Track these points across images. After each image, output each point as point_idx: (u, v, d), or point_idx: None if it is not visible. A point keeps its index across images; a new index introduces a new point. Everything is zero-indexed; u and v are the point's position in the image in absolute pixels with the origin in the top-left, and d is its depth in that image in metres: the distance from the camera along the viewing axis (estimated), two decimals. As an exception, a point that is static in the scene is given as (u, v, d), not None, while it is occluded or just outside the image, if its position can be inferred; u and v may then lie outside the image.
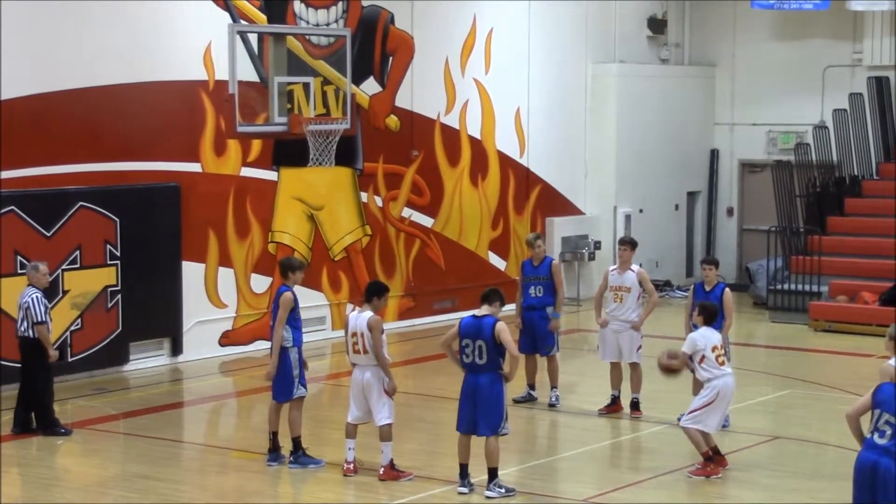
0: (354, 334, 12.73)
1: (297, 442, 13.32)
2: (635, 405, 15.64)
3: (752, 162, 27.56)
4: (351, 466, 12.95)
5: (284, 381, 13.24)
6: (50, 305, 14.87)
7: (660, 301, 24.57)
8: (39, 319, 14.43)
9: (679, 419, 15.12)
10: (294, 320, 13.24)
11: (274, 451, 13.41)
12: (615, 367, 15.81)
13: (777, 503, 12.51)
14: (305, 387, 13.43)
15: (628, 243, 15.83)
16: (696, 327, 13.63)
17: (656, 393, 16.13)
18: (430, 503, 12.23)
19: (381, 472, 12.81)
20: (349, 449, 12.95)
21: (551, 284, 15.98)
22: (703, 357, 13.07)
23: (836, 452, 13.83)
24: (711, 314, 13.39)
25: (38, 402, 14.70)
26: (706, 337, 13.17)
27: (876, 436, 9.36)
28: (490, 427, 12.16)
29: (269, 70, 18.34)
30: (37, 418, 14.72)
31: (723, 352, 13.27)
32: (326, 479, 13.03)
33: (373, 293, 12.91)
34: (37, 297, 14.49)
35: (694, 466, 13.24)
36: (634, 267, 15.73)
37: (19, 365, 14.90)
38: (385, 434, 12.77)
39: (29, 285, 14.70)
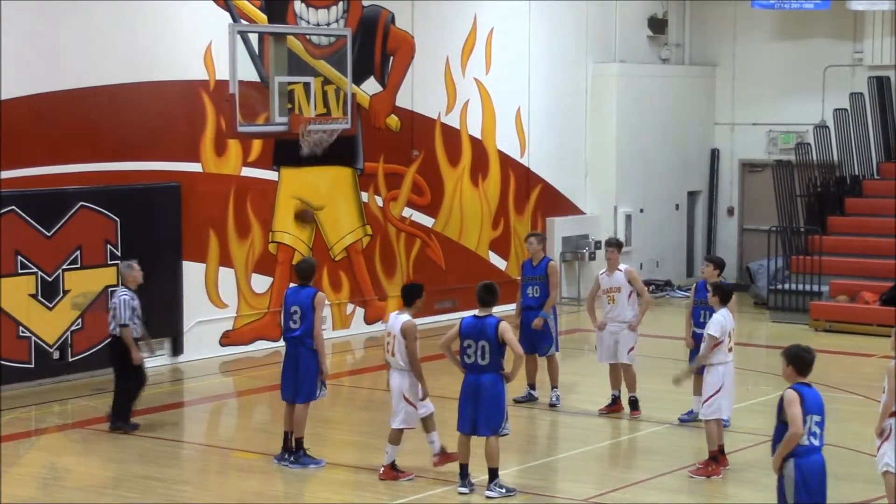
0: (389, 334, 12.77)
1: (299, 442, 13.32)
2: (634, 404, 15.63)
3: (752, 162, 27.55)
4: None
5: (309, 382, 13.23)
6: (138, 308, 14.85)
7: (660, 301, 24.71)
8: (124, 322, 14.61)
9: (679, 419, 15.19)
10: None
11: (287, 450, 13.39)
12: (614, 368, 15.81)
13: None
14: (325, 387, 13.49)
15: (614, 244, 15.94)
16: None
17: (656, 393, 16.12)
18: (430, 503, 12.23)
19: (381, 472, 12.80)
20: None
21: (548, 284, 16.01)
22: (721, 341, 13.10)
23: (835, 452, 13.79)
24: (727, 294, 13.41)
25: (125, 397, 14.94)
26: (729, 321, 13.21)
27: (812, 439, 9.70)
28: (491, 427, 12.15)
29: (269, 70, 18.35)
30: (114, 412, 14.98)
31: (728, 339, 13.32)
32: (327, 479, 13.03)
33: (414, 295, 12.90)
34: (125, 299, 14.65)
35: (695, 466, 13.24)
36: (622, 267, 15.79)
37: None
38: (394, 437, 12.77)
39: (122, 285, 14.95)
